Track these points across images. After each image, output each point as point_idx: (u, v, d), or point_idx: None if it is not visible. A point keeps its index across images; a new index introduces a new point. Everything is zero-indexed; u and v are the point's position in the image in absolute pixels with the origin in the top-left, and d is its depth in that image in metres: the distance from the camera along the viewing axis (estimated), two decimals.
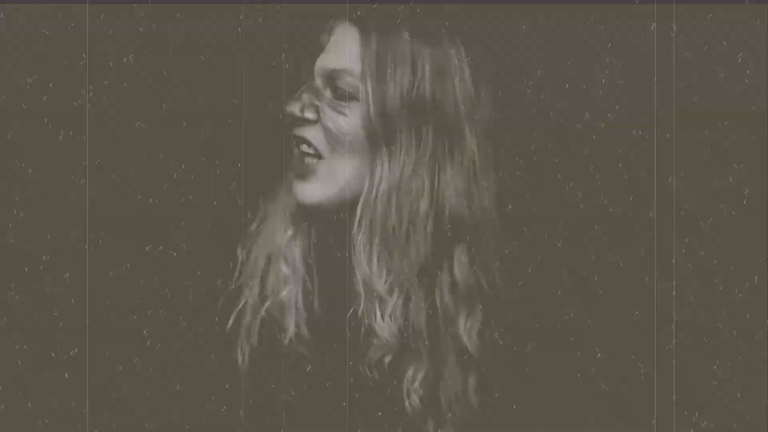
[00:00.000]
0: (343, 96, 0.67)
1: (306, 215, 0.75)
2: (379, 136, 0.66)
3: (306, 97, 0.69)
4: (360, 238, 0.68)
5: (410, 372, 0.69)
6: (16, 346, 0.87)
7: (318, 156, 0.69)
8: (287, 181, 0.77)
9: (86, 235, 0.87)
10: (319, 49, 0.70)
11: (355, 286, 0.69)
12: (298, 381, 0.75)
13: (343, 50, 0.68)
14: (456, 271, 0.68)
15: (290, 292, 0.76)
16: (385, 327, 0.68)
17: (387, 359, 0.69)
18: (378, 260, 0.67)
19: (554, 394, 0.75)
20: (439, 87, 0.66)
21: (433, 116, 0.66)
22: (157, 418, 0.85)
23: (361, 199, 0.68)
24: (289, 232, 0.77)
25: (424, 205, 0.66)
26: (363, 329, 0.69)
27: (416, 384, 0.69)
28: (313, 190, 0.69)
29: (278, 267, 0.76)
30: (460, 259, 0.68)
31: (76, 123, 0.87)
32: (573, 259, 0.81)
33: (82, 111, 0.87)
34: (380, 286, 0.67)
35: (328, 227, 0.74)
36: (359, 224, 0.68)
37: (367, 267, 0.67)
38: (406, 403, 0.69)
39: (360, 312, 0.69)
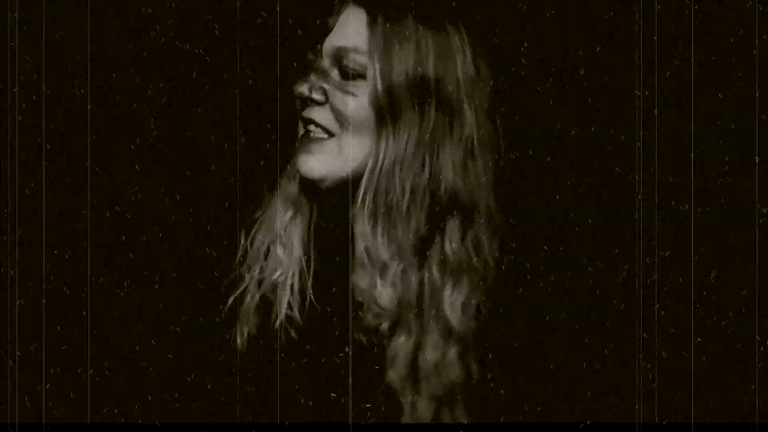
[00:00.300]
0: (349, 75, 0.70)
1: (308, 193, 0.77)
2: (386, 113, 0.68)
3: (314, 78, 0.71)
4: (365, 211, 0.70)
5: (399, 340, 0.70)
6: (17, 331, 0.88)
7: (327, 133, 0.71)
8: (290, 167, 0.78)
9: (88, 224, 0.88)
10: (327, 31, 0.72)
11: (357, 256, 0.71)
12: (290, 362, 0.77)
13: (351, 30, 0.70)
14: (447, 244, 0.70)
15: (285, 275, 0.78)
16: (385, 294, 0.70)
17: (384, 326, 0.70)
18: (382, 230, 0.69)
19: (536, 369, 0.77)
20: (442, 67, 0.68)
21: (436, 94, 0.68)
22: (155, 399, 0.86)
23: (366, 174, 0.70)
24: (289, 214, 0.78)
25: (423, 179, 0.69)
26: (363, 300, 0.71)
27: (403, 353, 0.70)
28: (319, 163, 0.71)
29: (275, 250, 0.78)
30: (452, 232, 0.70)
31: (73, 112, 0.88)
32: (566, 241, 0.83)
33: (83, 100, 0.88)
34: (383, 253, 0.69)
35: (330, 204, 0.76)
36: (363, 197, 0.70)
37: (371, 236, 0.69)
38: (390, 372, 0.71)
39: (361, 282, 0.71)
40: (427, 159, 0.69)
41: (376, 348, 0.72)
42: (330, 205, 0.76)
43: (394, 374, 0.71)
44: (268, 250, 0.79)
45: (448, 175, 0.69)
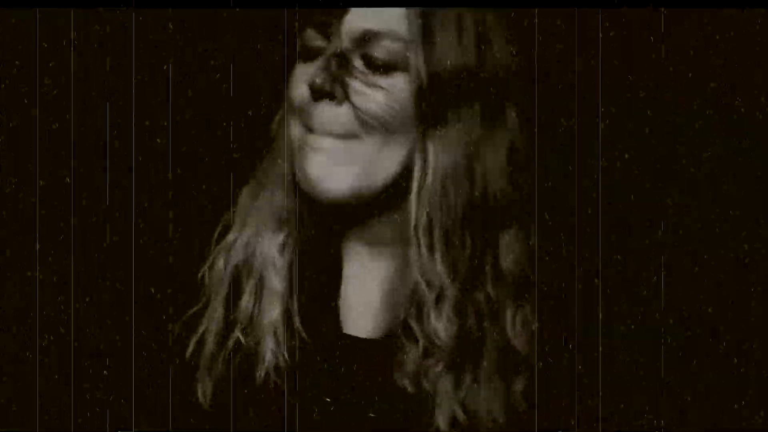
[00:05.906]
0: (378, 65, 0.59)
1: (311, 215, 0.66)
2: (431, 114, 0.59)
3: (332, 66, 0.59)
4: (420, 232, 0.61)
5: (450, 380, 0.62)
6: None
7: (342, 139, 0.60)
8: (273, 176, 0.68)
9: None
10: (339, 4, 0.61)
11: (409, 286, 0.63)
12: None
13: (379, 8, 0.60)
14: (502, 261, 0.63)
15: (274, 313, 0.67)
16: (442, 328, 0.61)
17: (439, 367, 0.62)
18: (439, 254, 0.61)
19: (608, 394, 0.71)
20: (482, 56, 0.60)
21: (477, 90, 0.60)
22: None
23: (414, 189, 0.61)
24: (279, 240, 0.67)
25: (472, 190, 0.61)
26: (415, 336, 0.63)
27: (462, 394, 0.62)
28: (342, 177, 0.60)
29: (268, 282, 0.67)
30: (507, 247, 0.63)
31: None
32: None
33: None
34: (442, 279, 0.61)
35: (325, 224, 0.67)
36: (417, 216, 0.61)
37: (429, 262, 0.61)
38: (439, 419, 0.62)
39: (412, 318, 0.63)
40: (476, 167, 0.61)
41: (424, 394, 0.63)
42: (325, 224, 0.66)
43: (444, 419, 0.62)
44: (238, 280, 0.68)
45: (498, 184, 0.62)
